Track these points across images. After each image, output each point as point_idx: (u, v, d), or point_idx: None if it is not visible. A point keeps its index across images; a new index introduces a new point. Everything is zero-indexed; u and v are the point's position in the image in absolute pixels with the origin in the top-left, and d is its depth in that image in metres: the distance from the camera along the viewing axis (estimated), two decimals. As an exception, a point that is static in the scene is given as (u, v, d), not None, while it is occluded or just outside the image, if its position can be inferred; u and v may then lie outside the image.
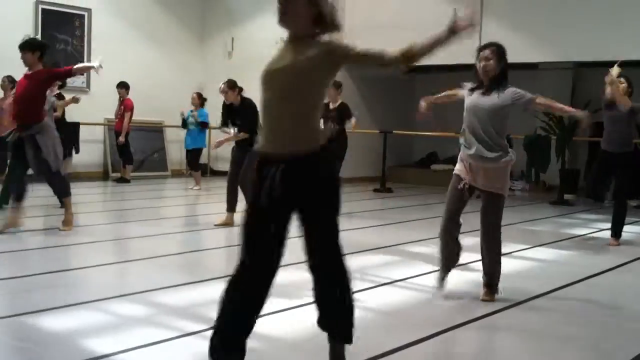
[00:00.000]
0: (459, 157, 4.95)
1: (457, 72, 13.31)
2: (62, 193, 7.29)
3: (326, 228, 3.05)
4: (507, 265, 6.22)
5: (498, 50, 4.79)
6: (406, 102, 15.13)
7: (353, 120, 9.25)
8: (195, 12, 15.35)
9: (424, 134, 13.79)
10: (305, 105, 2.95)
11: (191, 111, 12.32)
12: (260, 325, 3.94)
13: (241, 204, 7.93)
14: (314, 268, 3.12)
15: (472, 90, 4.89)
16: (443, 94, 5.32)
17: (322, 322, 3.20)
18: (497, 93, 4.73)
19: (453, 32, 2.93)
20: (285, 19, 3.00)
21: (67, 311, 4.41)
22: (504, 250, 6.83)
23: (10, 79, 10.78)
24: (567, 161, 12.21)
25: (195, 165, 12.44)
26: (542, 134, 12.34)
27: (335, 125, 9.03)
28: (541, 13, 11.51)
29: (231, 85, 8.07)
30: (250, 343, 3.16)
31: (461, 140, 4.90)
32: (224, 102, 8.38)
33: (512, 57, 13.00)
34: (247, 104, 7.92)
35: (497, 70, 4.77)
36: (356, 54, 2.97)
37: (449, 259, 4.93)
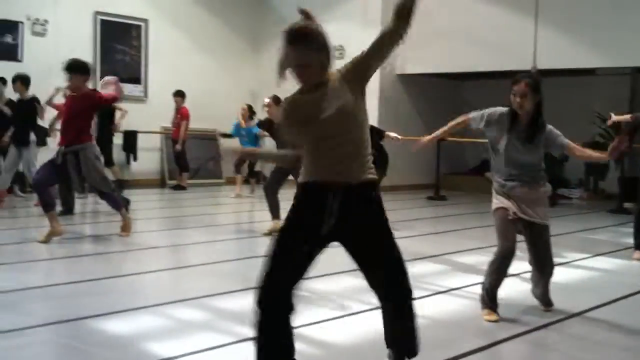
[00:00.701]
0: (494, 190, 4.71)
1: (506, 79, 13.19)
2: (116, 207, 7.52)
3: (386, 253, 3.04)
4: (566, 275, 6.14)
5: (534, 84, 4.48)
6: (457, 108, 15.00)
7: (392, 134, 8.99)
8: (250, 21, 15.52)
9: (477, 141, 13.64)
10: (357, 140, 2.96)
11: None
12: (319, 331, 3.97)
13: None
14: (381, 297, 3.11)
15: (509, 130, 4.57)
16: (449, 126, 4.99)
17: (389, 341, 3.19)
18: (535, 141, 4.52)
19: None
20: (308, 81, 2.99)
21: (127, 315, 4.51)
22: (562, 260, 6.75)
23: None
24: (627, 169, 11.93)
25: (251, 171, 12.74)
26: (600, 140, 12.10)
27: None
28: (597, 16, 11.28)
29: (276, 99, 8.13)
30: (309, 349, 3.17)
31: (496, 178, 4.69)
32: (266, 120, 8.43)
33: (568, 63, 12.76)
34: None
35: (532, 105, 4.49)
36: (366, 55, 2.94)
37: (494, 294, 4.65)
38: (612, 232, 9.25)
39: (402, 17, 2.82)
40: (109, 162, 11.84)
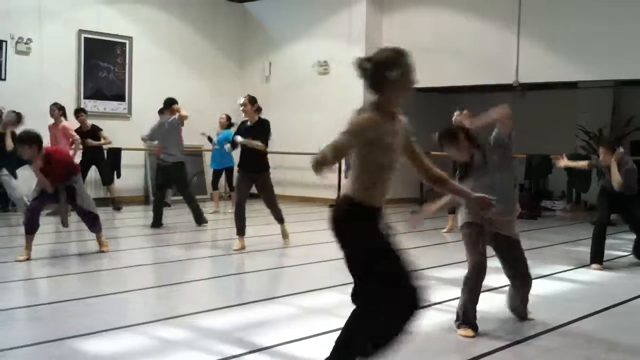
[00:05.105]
0: (461, 208, 4.77)
1: (490, 93, 13.31)
2: (97, 230, 7.65)
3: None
4: (549, 287, 6.19)
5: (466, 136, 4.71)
6: (442, 122, 15.14)
7: None
8: (234, 38, 15.57)
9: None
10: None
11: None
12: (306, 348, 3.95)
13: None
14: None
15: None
16: (444, 200, 4.75)
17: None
18: (482, 159, 4.68)
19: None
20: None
21: (110, 335, 4.50)
22: (545, 271, 6.80)
23: (58, 106, 11.06)
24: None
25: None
26: (582, 153, 12.20)
27: None
28: (579, 30, 11.39)
29: (251, 99, 8.24)
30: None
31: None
32: (240, 124, 8.49)
33: (550, 77, 12.76)
34: (265, 122, 8.16)
35: (467, 153, 4.71)
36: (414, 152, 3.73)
37: (474, 310, 4.67)
38: (595, 244, 9.29)
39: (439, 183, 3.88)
40: (107, 181, 11.90)
